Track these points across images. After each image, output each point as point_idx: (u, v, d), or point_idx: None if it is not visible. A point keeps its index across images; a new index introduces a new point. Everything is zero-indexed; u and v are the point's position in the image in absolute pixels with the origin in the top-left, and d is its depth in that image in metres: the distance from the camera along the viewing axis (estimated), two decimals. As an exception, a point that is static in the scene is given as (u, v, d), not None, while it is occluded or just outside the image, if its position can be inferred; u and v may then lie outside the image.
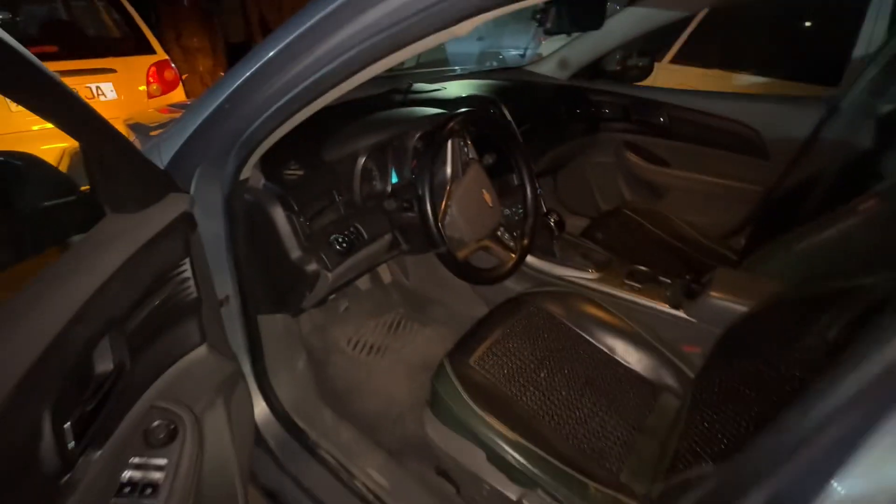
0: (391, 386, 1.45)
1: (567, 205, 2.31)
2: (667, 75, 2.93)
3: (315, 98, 0.76)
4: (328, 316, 1.60)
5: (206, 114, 0.85)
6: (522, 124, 1.66)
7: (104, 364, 0.59)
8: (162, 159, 0.93)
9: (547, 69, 2.00)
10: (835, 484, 0.35)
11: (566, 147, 1.94)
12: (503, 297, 1.29)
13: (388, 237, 1.16)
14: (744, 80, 2.82)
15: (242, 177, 0.93)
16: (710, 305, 1.12)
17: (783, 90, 2.61)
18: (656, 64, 2.40)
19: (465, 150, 1.19)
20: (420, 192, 0.98)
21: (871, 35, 2.39)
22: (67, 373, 0.53)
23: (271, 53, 0.73)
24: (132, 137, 1.30)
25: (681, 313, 1.17)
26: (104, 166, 0.67)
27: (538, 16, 0.95)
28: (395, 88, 1.50)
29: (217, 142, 0.86)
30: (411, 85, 1.57)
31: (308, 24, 0.68)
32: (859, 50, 2.39)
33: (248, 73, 0.77)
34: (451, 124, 1.04)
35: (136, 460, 0.60)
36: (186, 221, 0.79)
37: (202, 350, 0.74)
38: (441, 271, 1.70)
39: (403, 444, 1.28)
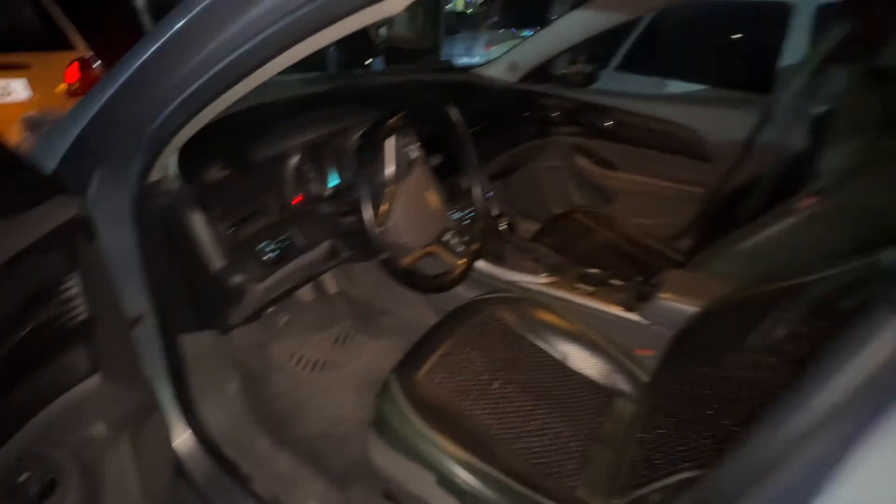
0: (336, 404, 1.35)
1: (520, 209, 2.30)
2: (610, 83, 3.01)
3: (236, 81, 0.66)
4: (267, 331, 1.48)
5: (104, 100, 0.73)
6: (471, 127, 1.61)
7: None
8: (54, 156, 0.80)
9: (496, 72, 1.98)
10: None
11: (517, 151, 1.92)
12: (455, 305, 1.22)
13: (326, 245, 1.07)
14: (683, 88, 2.94)
15: (154, 178, 0.82)
16: (661, 307, 1.11)
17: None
18: (601, 72, 2.45)
19: (410, 149, 1.12)
20: (358, 195, 0.90)
21: (795, 46, 2.54)
22: None
23: (182, 23, 0.63)
24: (27, 133, 1.14)
25: (634, 316, 1.15)
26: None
27: (484, 7, 0.90)
28: (334, 87, 1.42)
29: (119, 134, 0.75)
30: (352, 82, 1.49)
31: None
32: (786, 59, 2.54)
33: (154, 48, 0.66)
34: (391, 121, 0.97)
35: (-7, 527, 0.48)
36: (76, 229, 0.66)
37: (94, 381, 0.62)
38: (389, 279, 1.63)
39: (348, 467, 1.19)
